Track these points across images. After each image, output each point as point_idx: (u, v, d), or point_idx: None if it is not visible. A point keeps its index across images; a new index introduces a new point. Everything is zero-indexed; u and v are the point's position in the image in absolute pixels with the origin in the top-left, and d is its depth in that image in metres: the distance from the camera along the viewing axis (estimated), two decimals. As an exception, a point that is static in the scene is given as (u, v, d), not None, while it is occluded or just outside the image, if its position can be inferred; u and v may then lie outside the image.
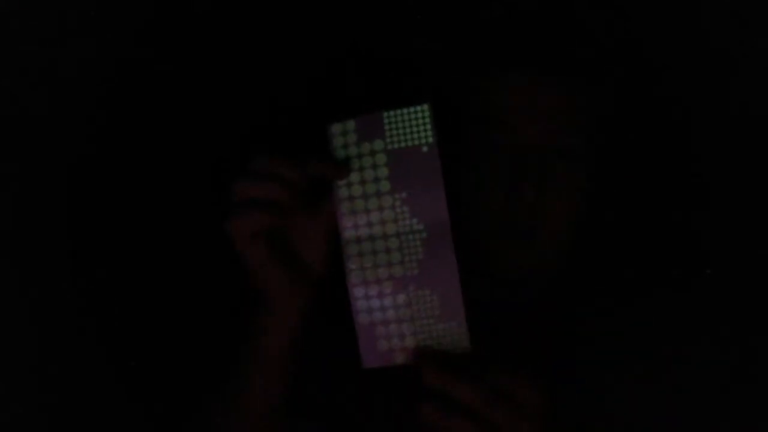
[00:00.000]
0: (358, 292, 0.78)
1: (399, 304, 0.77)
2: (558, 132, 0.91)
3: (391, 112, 0.77)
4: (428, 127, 0.77)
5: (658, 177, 1.10)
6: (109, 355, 1.14)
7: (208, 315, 1.17)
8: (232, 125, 1.19)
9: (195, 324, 1.17)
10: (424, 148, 0.77)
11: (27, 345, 1.11)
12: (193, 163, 1.18)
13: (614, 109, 0.95)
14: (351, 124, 0.78)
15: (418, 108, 0.77)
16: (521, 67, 0.91)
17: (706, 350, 0.94)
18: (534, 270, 0.94)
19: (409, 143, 0.77)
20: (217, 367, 0.89)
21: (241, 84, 1.18)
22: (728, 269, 1.05)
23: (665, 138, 1.10)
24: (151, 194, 1.17)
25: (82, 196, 1.15)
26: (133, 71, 1.15)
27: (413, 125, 0.77)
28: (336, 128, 0.79)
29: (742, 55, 1.07)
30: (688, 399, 0.91)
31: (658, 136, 1.09)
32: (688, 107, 1.10)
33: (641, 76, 1.04)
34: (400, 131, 0.77)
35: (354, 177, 0.78)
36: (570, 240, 0.94)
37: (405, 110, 0.77)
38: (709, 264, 1.06)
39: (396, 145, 0.77)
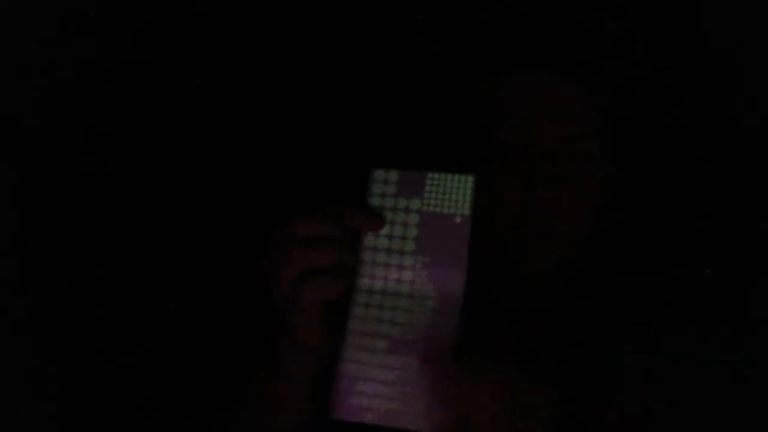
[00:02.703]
0: (352, 339, 0.76)
1: (388, 364, 0.75)
2: (575, 133, 0.91)
3: (436, 175, 0.77)
4: (468, 198, 0.76)
5: (658, 177, 1.10)
6: (109, 355, 1.14)
7: (208, 315, 1.17)
8: (232, 125, 1.19)
9: (194, 324, 1.17)
10: (458, 219, 0.76)
11: (27, 345, 1.11)
12: (193, 162, 1.18)
13: (631, 110, 0.95)
14: (394, 176, 0.78)
15: (463, 177, 0.77)
16: (538, 67, 0.91)
17: (706, 350, 0.94)
18: (552, 270, 0.94)
19: (445, 210, 0.77)
20: (217, 368, 0.89)
21: (241, 84, 1.19)
22: (728, 269, 1.05)
23: (666, 138, 1.10)
24: (152, 194, 1.17)
25: (82, 196, 1.15)
26: (133, 71, 1.15)
27: (453, 193, 0.77)
28: (378, 175, 0.78)
29: (742, 56, 1.07)
30: (688, 399, 0.91)
31: (658, 136, 1.09)
32: (689, 107, 1.10)
33: (654, 77, 1.04)
34: (439, 196, 0.77)
35: (383, 229, 0.77)
36: (588, 240, 0.94)
37: (449, 176, 0.77)
38: (709, 264, 1.06)
39: (431, 209, 0.77)
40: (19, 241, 1.12)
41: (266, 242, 0.78)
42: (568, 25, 0.93)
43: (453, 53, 0.98)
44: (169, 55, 1.15)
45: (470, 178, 0.76)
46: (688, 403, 0.91)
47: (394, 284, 0.77)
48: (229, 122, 1.19)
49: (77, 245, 1.15)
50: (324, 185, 1.17)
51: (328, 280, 0.75)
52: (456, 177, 0.77)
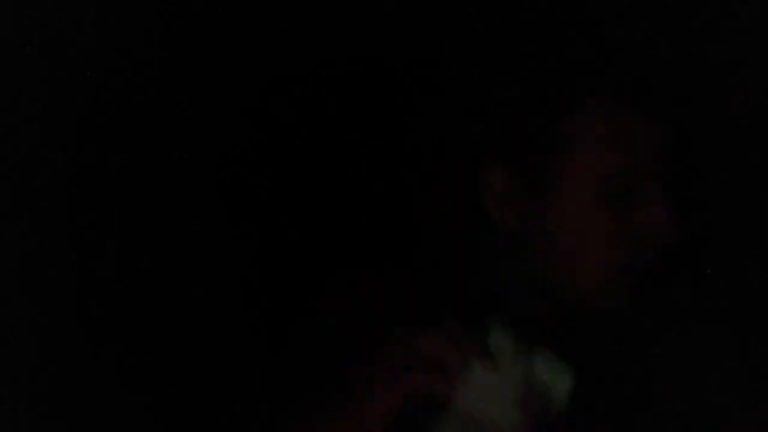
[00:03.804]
0: None
1: None
2: (658, 157, 0.90)
3: (547, 364, 0.81)
4: (566, 396, 0.81)
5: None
6: (109, 355, 1.14)
7: (209, 315, 1.17)
8: (233, 125, 1.19)
9: (194, 324, 1.17)
10: (553, 403, 0.81)
11: (27, 345, 1.11)
12: (193, 163, 1.18)
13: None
14: (508, 342, 0.81)
15: (568, 377, 0.81)
16: (614, 95, 0.90)
17: (706, 350, 0.94)
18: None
19: (546, 391, 0.81)
20: (219, 370, 0.89)
21: (241, 85, 1.19)
22: (728, 269, 1.05)
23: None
24: (152, 194, 1.17)
25: (82, 197, 1.15)
26: (132, 72, 1.14)
27: (557, 383, 0.81)
28: (494, 333, 0.81)
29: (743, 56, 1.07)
30: (688, 398, 0.91)
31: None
32: (687, 105, 1.10)
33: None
34: (546, 378, 0.81)
35: (488, 371, 0.80)
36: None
37: (560, 368, 0.81)
38: (709, 264, 1.06)
39: (536, 382, 0.81)
40: (19, 241, 1.12)
41: (379, 352, 0.82)
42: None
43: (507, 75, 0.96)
44: (169, 55, 1.15)
45: (569, 375, 0.81)
46: (688, 403, 0.91)
47: (483, 415, 0.80)
48: (230, 122, 1.19)
49: (77, 245, 1.15)
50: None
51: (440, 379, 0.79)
52: (567, 376, 0.81)
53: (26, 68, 1.11)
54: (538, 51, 0.93)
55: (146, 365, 1.15)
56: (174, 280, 1.18)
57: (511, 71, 0.93)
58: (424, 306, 0.95)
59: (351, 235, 1.17)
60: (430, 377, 0.79)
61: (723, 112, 1.09)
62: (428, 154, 1.01)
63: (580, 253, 0.90)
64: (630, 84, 0.90)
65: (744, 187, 1.09)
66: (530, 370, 0.80)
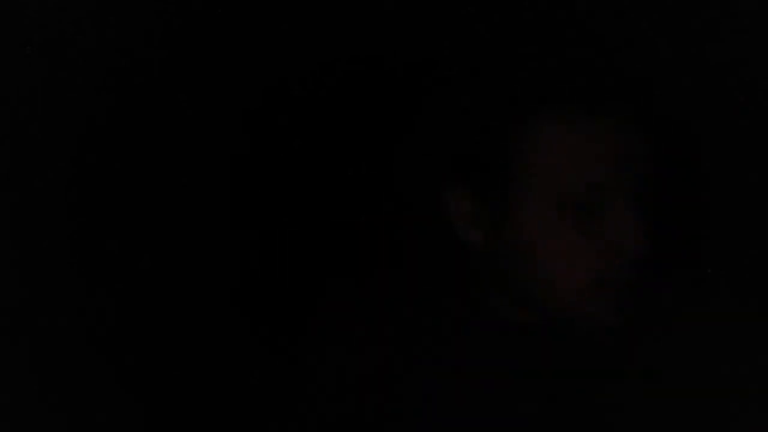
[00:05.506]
0: None
1: None
2: (619, 169, 0.89)
3: None
4: None
5: (658, 177, 1.10)
6: (109, 355, 1.14)
7: (208, 316, 1.17)
8: (233, 126, 1.19)
9: (194, 325, 1.17)
10: None
11: (27, 345, 1.11)
12: (193, 163, 1.19)
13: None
14: None
15: None
16: (572, 108, 0.89)
17: (707, 350, 0.94)
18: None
19: None
20: (219, 370, 0.89)
21: (241, 85, 1.19)
22: (728, 269, 1.05)
23: (665, 138, 1.10)
24: (152, 194, 1.18)
25: (82, 197, 1.15)
26: (132, 72, 1.15)
27: None
28: None
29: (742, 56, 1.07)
30: (688, 398, 0.91)
31: (658, 136, 1.09)
32: (690, 108, 1.10)
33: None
34: None
35: None
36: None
37: None
38: (709, 264, 1.06)
39: None
40: (19, 241, 1.12)
41: None
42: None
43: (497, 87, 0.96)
44: (169, 55, 1.15)
45: None
46: (689, 403, 0.92)
47: None
48: (230, 123, 1.19)
49: (77, 245, 1.15)
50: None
51: None
52: None
53: (26, 68, 1.11)
54: (493, 66, 0.93)
55: (146, 365, 1.15)
56: (174, 280, 1.18)
57: (463, 89, 0.93)
58: (422, 306, 0.95)
59: (350, 236, 1.18)
60: None
61: (723, 113, 1.09)
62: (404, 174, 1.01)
63: (547, 266, 0.89)
64: (590, 97, 0.89)
65: (744, 186, 1.09)
66: None
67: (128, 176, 1.17)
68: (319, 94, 1.20)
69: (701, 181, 1.12)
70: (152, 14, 1.14)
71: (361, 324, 0.96)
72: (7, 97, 1.10)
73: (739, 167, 1.10)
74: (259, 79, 1.19)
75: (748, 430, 0.92)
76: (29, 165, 1.12)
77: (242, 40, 1.18)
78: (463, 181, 0.92)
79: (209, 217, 1.20)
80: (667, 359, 0.93)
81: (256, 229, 1.22)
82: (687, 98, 1.09)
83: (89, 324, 1.15)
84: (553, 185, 0.88)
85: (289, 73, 1.20)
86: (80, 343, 1.14)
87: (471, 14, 1.02)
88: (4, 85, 1.10)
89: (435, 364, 0.94)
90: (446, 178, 0.93)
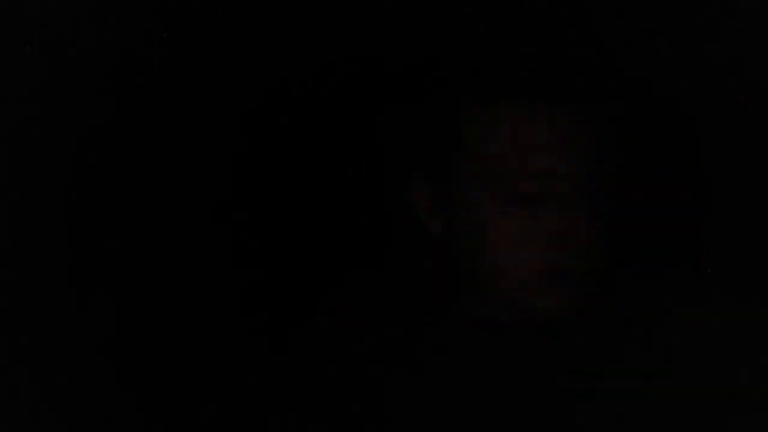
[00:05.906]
0: None
1: None
2: (565, 158, 0.89)
3: None
4: None
5: (658, 177, 1.10)
6: (109, 355, 1.14)
7: (208, 316, 1.17)
8: (233, 126, 1.19)
9: (194, 325, 1.17)
10: None
11: (27, 345, 1.11)
12: (193, 163, 1.19)
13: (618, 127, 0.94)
14: None
15: None
16: (518, 97, 0.90)
17: (707, 350, 0.94)
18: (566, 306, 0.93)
19: None
20: (219, 370, 0.89)
21: (241, 86, 1.19)
22: (728, 269, 1.05)
23: (666, 138, 1.10)
24: (152, 195, 1.18)
25: (82, 197, 1.15)
26: (132, 71, 1.15)
27: None
28: None
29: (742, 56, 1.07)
30: (688, 398, 0.91)
31: (658, 136, 1.09)
32: (689, 107, 1.10)
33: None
34: None
35: None
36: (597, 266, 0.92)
37: None
38: (709, 264, 1.06)
39: None
40: (19, 241, 1.12)
41: None
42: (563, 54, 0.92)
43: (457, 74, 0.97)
44: (169, 55, 1.15)
45: None
46: (688, 403, 0.91)
47: None
48: (230, 123, 1.19)
49: (77, 246, 1.15)
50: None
51: None
52: None
53: (26, 68, 1.11)
54: (443, 55, 0.94)
55: (146, 365, 1.15)
56: (173, 280, 1.18)
57: (413, 78, 0.94)
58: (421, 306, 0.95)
59: (350, 236, 1.18)
60: None
61: (723, 113, 1.09)
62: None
63: (497, 255, 0.90)
64: (540, 86, 0.89)
65: (744, 186, 1.09)
66: None
67: (128, 176, 1.17)
68: (319, 94, 1.20)
69: (701, 181, 1.12)
70: (152, 14, 1.14)
71: (343, 323, 0.97)
72: (7, 97, 1.10)
73: (739, 167, 1.10)
74: (259, 79, 1.19)
75: (748, 430, 0.91)
76: (29, 165, 1.12)
77: (242, 41, 1.18)
78: (420, 171, 0.94)
79: (209, 217, 1.20)
80: (666, 359, 0.93)
81: (256, 229, 1.22)
82: (687, 98, 1.09)
83: (89, 324, 1.15)
84: (499, 174, 0.89)
85: (289, 73, 1.20)
86: (80, 343, 1.14)
87: (468, 14, 1.02)
88: (4, 85, 1.10)
89: (411, 365, 0.94)
90: (408, 170, 0.95)
